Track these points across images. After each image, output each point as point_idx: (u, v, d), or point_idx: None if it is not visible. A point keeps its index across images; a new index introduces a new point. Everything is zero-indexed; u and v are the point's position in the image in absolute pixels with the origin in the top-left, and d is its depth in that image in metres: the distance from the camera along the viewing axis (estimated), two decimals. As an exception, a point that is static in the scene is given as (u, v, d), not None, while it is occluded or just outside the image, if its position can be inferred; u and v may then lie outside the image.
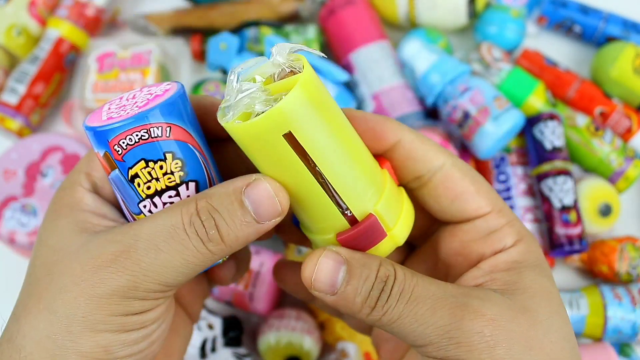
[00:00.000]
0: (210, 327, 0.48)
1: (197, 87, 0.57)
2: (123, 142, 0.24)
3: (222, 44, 0.55)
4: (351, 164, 0.25)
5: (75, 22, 0.61)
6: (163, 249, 0.23)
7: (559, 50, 0.63)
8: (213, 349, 0.47)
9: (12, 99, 0.58)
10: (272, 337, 0.47)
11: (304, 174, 0.24)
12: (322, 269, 0.24)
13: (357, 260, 0.25)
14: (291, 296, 0.53)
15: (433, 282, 0.25)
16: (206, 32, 0.62)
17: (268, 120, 0.22)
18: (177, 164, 0.24)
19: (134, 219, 0.26)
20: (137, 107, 0.24)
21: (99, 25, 0.64)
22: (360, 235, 0.26)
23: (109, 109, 0.25)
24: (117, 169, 0.24)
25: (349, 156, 0.25)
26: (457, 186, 0.27)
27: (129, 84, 0.57)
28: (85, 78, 0.58)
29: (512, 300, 0.25)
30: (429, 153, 0.27)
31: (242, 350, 0.48)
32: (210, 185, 0.26)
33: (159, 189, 0.25)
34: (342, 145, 0.24)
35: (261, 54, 0.57)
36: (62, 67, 0.61)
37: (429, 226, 0.30)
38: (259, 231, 0.24)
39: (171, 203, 0.25)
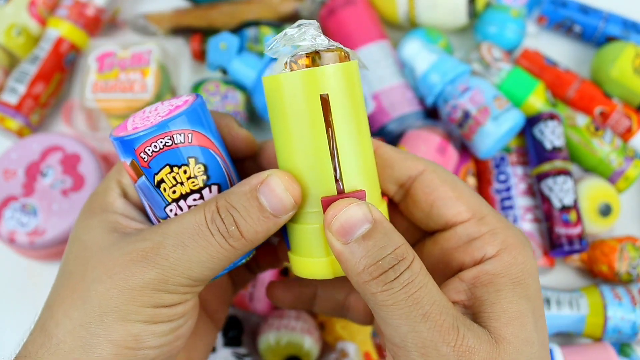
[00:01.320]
0: (210, 327, 0.48)
1: (197, 86, 0.57)
2: (148, 150, 0.25)
3: (222, 44, 0.55)
4: (361, 148, 0.26)
5: (75, 22, 0.61)
6: (189, 245, 0.25)
7: (559, 50, 0.63)
8: (213, 349, 0.47)
9: (12, 99, 0.58)
10: (272, 337, 0.47)
11: (319, 138, 0.25)
12: (348, 214, 0.24)
13: (383, 227, 0.24)
14: (291, 296, 0.53)
15: (440, 291, 0.24)
16: (206, 32, 0.62)
17: (325, 73, 0.24)
18: (199, 168, 0.26)
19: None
20: (159, 116, 0.26)
21: (99, 25, 0.64)
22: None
23: (134, 121, 0.27)
24: (143, 176, 0.26)
25: (361, 141, 0.26)
26: (435, 192, 0.28)
27: (129, 83, 0.57)
28: (85, 78, 0.58)
29: (489, 330, 0.24)
30: (407, 161, 0.28)
31: (242, 350, 0.48)
32: None
33: (183, 192, 0.26)
34: (359, 131, 0.26)
35: (261, 53, 0.57)
36: (62, 67, 0.61)
37: (416, 239, 0.30)
38: (277, 224, 0.26)
39: (196, 206, 0.26)
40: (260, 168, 0.31)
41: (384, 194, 0.29)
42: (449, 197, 0.27)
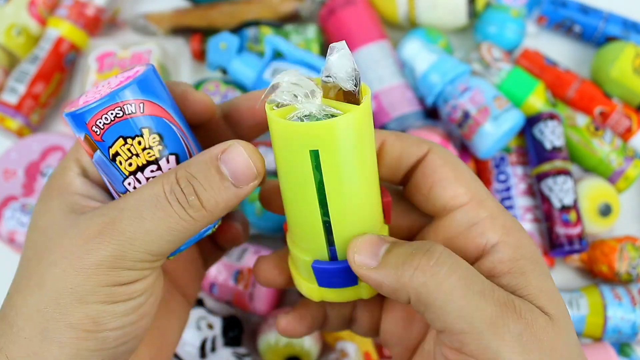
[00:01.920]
0: (210, 326, 0.48)
1: (197, 86, 0.57)
2: (100, 122, 0.25)
3: (222, 44, 0.55)
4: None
5: (75, 22, 0.61)
6: (147, 217, 0.24)
7: (559, 50, 0.63)
8: (213, 349, 0.47)
9: (12, 99, 0.58)
10: (272, 337, 0.47)
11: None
12: (365, 249, 0.25)
13: (398, 242, 0.25)
14: (291, 296, 0.53)
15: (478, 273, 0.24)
16: (206, 32, 0.62)
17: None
18: (154, 138, 0.25)
19: None
20: (110, 88, 0.25)
21: (99, 25, 0.64)
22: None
23: (86, 95, 0.26)
24: (98, 150, 0.25)
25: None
26: (435, 173, 0.27)
27: (129, 83, 0.57)
28: (85, 78, 0.58)
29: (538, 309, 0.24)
30: (411, 147, 0.28)
31: (242, 350, 0.48)
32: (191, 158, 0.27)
33: (140, 164, 0.25)
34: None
35: (261, 53, 0.57)
36: (62, 66, 0.61)
37: (421, 226, 0.30)
38: (238, 195, 0.25)
39: (153, 178, 0.26)
40: (220, 132, 0.30)
41: (385, 195, 0.29)
42: (448, 178, 0.27)
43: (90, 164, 0.27)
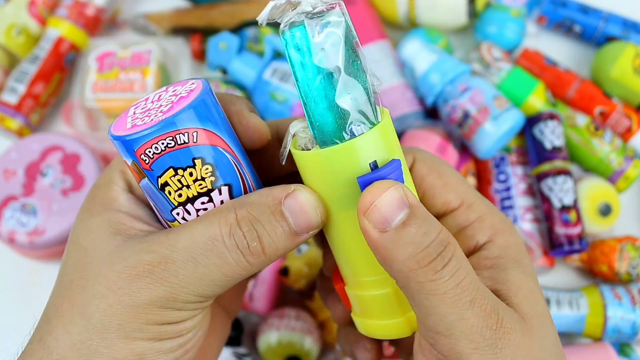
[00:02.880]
0: (210, 326, 0.48)
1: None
2: (149, 152, 0.23)
3: (222, 44, 0.55)
4: None
5: (75, 22, 0.61)
6: (201, 262, 0.23)
7: (559, 50, 0.63)
8: (213, 349, 0.47)
9: (12, 99, 0.58)
10: (272, 337, 0.47)
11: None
12: (386, 199, 0.22)
13: (422, 212, 0.22)
14: (291, 296, 0.53)
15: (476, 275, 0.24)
16: (206, 32, 0.62)
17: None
18: (207, 169, 0.23)
19: (169, 226, 0.25)
20: (161, 112, 0.23)
21: (99, 24, 0.64)
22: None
23: (134, 113, 0.24)
24: (146, 178, 0.24)
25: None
26: (423, 182, 0.27)
27: (129, 83, 0.57)
28: (85, 77, 0.58)
29: (515, 312, 0.24)
30: None
31: (242, 350, 0.48)
32: (245, 189, 0.25)
33: (190, 196, 0.24)
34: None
35: (261, 53, 0.57)
36: (62, 66, 0.61)
37: None
38: (296, 243, 0.24)
39: (204, 209, 0.24)
40: (274, 153, 0.28)
41: None
42: (437, 186, 0.27)
43: None
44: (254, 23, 0.60)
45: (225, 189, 0.24)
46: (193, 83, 0.25)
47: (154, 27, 0.63)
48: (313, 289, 0.48)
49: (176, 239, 0.23)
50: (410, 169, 0.27)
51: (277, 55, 0.55)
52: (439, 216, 0.27)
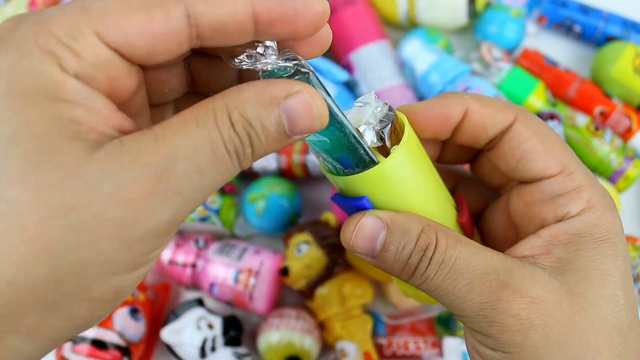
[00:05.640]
0: (210, 326, 0.48)
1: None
2: None
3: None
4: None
5: (75, 22, 0.61)
6: (208, 173, 0.18)
7: (559, 50, 0.63)
8: (213, 349, 0.47)
9: (11, 99, 0.58)
10: (272, 337, 0.47)
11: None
12: (361, 232, 0.24)
13: (397, 226, 0.24)
14: (291, 296, 0.53)
15: (478, 253, 0.23)
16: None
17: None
18: None
19: None
20: None
21: (99, 24, 0.64)
22: None
23: None
24: None
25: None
26: (523, 145, 0.26)
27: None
28: (85, 78, 0.58)
29: (560, 282, 0.23)
30: (497, 115, 0.26)
31: (242, 350, 0.48)
32: None
33: None
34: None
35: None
36: (62, 66, 0.61)
37: (485, 204, 0.30)
38: (285, 144, 0.21)
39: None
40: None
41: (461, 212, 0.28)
42: (537, 150, 0.25)
43: (76, 62, 0.18)
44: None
45: None
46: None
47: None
48: (313, 289, 0.48)
49: (172, 145, 0.18)
50: (509, 128, 0.26)
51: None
52: (535, 181, 0.26)
